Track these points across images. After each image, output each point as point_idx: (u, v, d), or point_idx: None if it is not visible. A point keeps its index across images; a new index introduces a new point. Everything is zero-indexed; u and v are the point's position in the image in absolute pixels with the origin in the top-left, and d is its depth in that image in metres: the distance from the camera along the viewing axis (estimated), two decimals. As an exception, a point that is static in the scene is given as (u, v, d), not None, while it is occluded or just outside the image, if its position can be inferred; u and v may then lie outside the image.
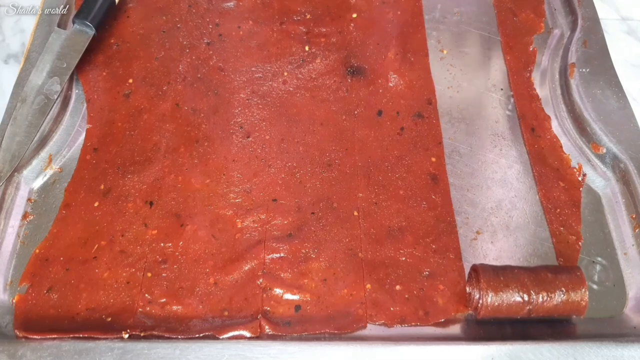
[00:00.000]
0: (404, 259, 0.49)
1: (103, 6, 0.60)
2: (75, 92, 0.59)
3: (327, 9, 0.65)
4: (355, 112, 0.58)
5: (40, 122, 0.53)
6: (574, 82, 0.59)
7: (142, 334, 0.44)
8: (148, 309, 0.46)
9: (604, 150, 0.55)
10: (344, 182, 0.53)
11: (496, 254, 0.50)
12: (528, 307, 0.44)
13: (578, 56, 0.61)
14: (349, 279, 0.48)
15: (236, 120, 0.57)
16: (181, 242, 0.50)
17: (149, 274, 0.48)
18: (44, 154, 0.54)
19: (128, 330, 0.44)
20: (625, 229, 0.52)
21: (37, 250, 0.49)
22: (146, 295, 0.47)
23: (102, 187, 0.52)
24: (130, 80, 0.59)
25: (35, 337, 0.44)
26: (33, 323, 0.45)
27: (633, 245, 0.51)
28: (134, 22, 0.63)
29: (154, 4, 0.65)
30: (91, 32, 0.58)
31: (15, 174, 0.52)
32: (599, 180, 0.55)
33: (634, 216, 0.52)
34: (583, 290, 0.44)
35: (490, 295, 0.44)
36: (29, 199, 0.52)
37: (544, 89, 0.61)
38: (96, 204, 0.51)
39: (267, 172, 0.54)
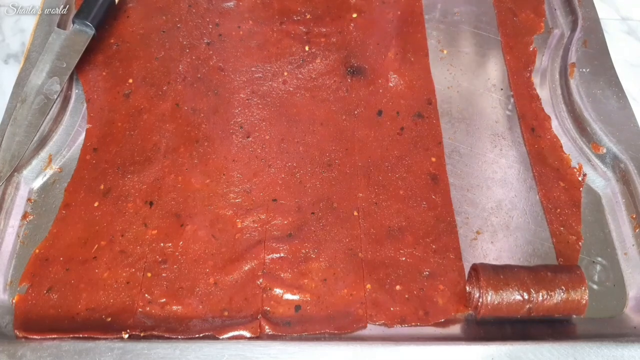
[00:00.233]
0: (404, 259, 0.49)
1: (103, 6, 0.60)
2: (75, 92, 0.59)
3: (327, 9, 0.65)
4: (355, 112, 0.58)
5: (40, 122, 0.53)
6: (574, 82, 0.59)
7: (142, 334, 0.44)
8: (148, 309, 0.46)
9: (604, 150, 0.55)
10: (344, 182, 0.53)
11: (496, 254, 0.50)
12: (528, 306, 0.44)
13: (578, 56, 0.61)
14: (349, 279, 0.48)
15: (236, 120, 0.57)
16: (181, 242, 0.49)
17: (149, 274, 0.48)
18: (43, 154, 0.54)
19: (128, 330, 0.44)
20: (625, 229, 0.52)
21: (37, 250, 0.49)
22: (146, 295, 0.47)
23: (102, 187, 0.52)
24: (130, 80, 0.59)
25: (35, 337, 0.44)
26: (33, 323, 0.45)
27: (633, 245, 0.51)
28: (134, 22, 0.63)
29: (154, 4, 0.65)
30: (91, 32, 0.58)
31: (15, 174, 0.52)
32: (599, 180, 0.55)
33: (634, 216, 0.52)
34: (583, 288, 0.44)
35: (490, 294, 0.44)
36: (28, 199, 0.52)
37: (544, 89, 0.61)
38: (96, 204, 0.51)
39: (267, 172, 0.54)
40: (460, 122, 0.58)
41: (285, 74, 0.60)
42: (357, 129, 0.57)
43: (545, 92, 0.61)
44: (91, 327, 0.45)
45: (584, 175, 0.55)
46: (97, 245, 0.49)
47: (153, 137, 0.55)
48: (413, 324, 0.46)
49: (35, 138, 0.52)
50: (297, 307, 0.47)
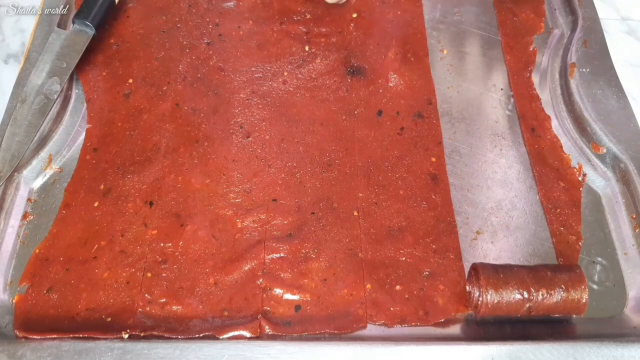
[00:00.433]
0: (404, 259, 0.49)
1: (103, 6, 0.60)
2: (75, 92, 0.59)
3: (327, 9, 0.65)
4: (355, 112, 0.58)
5: (40, 122, 0.53)
6: (574, 82, 0.59)
7: (142, 334, 0.44)
8: (148, 309, 0.46)
9: (604, 150, 0.55)
10: (344, 182, 0.53)
11: (496, 254, 0.50)
12: (528, 305, 0.44)
13: (578, 56, 0.61)
14: (349, 279, 0.48)
15: (236, 120, 0.57)
16: (181, 242, 0.49)
17: (149, 274, 0.48)
18: (44, 154, 0.54)
19: (128, 330, 0.44)
20: (625, 229, 0.52)
21: (37, 250, 0.49)
22: (146, 295, 0.47)
23: (102, 187, 0.52)
24: (130, 80, 0.59)
25: (35, 337, 0.44)
26: (33, 323, 0.45)
27: (633, 245, 0.51)
28: (134, 22, 0.63)
29: (154, 4, 0.65)
30: (91, 32, 0.58)
31: (15, 174, 0.52)
32: (599, 180, 0.55)
33: (634, 216, 0.52)
34: (583, 287, 0.44)
35: (490, 293, 0.44)
36: (29, 199, 0.52)
37: (544, 89, 0.61)
38: (96, 204, 0.51)
39: (267, 172, 0.54)
40: (460, 122, 0.58)
41: (285, 74, 0.60)
42: (357, 129, 0.57)
43: (545, 92, 0.61)
44: (91, 327, 0.45)
45: (584, 175, 0.55)
46: (97, 245, 0.49)
47: (153, 137, 0.55)
48: (413, 324, 0.46)
49: (35, 138, 0.52)
50: (297, 307, 0.47)
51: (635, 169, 0.53)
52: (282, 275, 0.48)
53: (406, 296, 0.47)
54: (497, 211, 0.53)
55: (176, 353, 0.43)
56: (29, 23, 0.68)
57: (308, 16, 0.64)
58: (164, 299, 0.47)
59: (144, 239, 0.50)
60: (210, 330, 0.45)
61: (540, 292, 0.44)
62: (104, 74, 0.59)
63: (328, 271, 0.49)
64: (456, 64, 0.63)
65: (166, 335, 0.45)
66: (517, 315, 0.45)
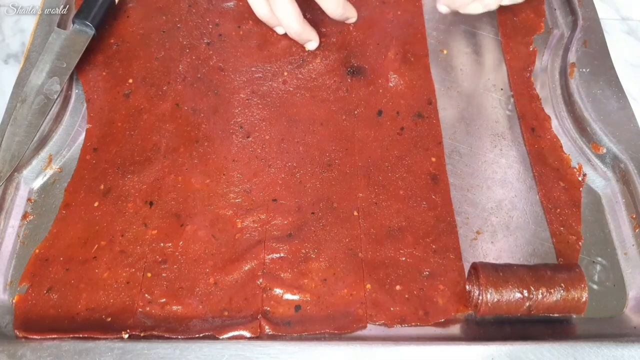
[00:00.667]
0: (404, 259, 0.49)
1: (103, 6, 0.60)
2: (75, 92, 0.59)
3: (327, 9, 0.65)
4: (355, 112, 0.58)
5: (40, 122, 0.53)
6: (574, 82, 0.59)
7: (142, 334, 0.44)
8: (148, 309, 0.46)
9: (604, 150, 0.55)
10: (344, 182, 0.53)
11: (496, 254, 0.51)
12: (528, 304, 0.44)
13: (578, 56, 0.61)
14: (349, 279, 0.48)
15: (236, 120, 0.57)
16: (181, 242, 0.50)
17: (149, 274, 0.48)
18: (44, 154, 0.54)
19: (128, 330, 0.44)
20: (625, 229, 0.52)
21: (37, 250, 0.49)
22: (146, 295, 0.47)
23: (102, 187, 0.52)
24: (130, 80, 0.59)
25: (35, 337, 0.44)
26: (33, 323, 0.45)
27: (633, 245, 0.51)
28: (134, 22, 0.63)
29: (154, 4, 0.65)
30: (91, 32, 0.58)
31: (15, 174, 0.52)
32: (599, 180, 0.55)
33: (634, 216, 0.52)
34: (582, 286, 0.44)
35: (490, 292, 0.44)
36: (29, 199, 0.52)
37: (544, 89, 0.61)
38: (96, 204, 0.51)
39: (267, 172, 0.54)
40: (460, 122, 0.58)
41: (285, 74, 0.60)
42: (357, 129, 0.57)
43: (545, 92, 0.61)
44: (91, 327, 0.45)
45: (584, 175, 0.55)
46: (97, 245, 0.49)
47: (153, 137, 0.55)
48: (413, 324, 0.46)
49: (35, 138, 0.52)
50: (297, 307, 0.47)
51: (635, 169, 0.53)
52: (282, 275, 0.48)
53: (406, 296, 0.47)
54: (497, 211, 0.53)
55: (176, 353, 0.43)
56: (29, 23, 0.68)
57: (308, 16, 0.64)
58: (164, 299, 0.47)
59: (144, 239, 0.50)
60: (210, 330, 0.45)
61: (540, 291, 0.44)
62: (104, 74, 0.59)
63: (328, 271, 0.49)
64: (456, 64, 0.63)
65: (166, 335, 0.45)
66: (517, 314, 0.45)
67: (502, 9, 0.67)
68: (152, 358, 0.42)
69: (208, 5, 0.65)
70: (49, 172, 0.53)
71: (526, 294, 0.44)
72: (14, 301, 0.46)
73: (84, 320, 0.45)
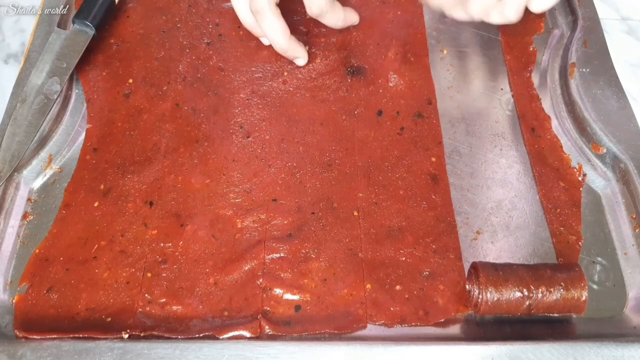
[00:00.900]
0: (404, 259, 0.49)
1: (103, 6, 0.60)
2: (75, 92, 0.59)
3: (327, 9, 0.65)
4: (355, 112, 0.58)
5: (40, 122, 0.53)
6: (574, 82, 0.59)
7: (142, 334, 0.44)
8: (148, 309, 0.46)
9: (604, 150, 0.55)
10: (344, 182, 0.53)
11: (496, 254, 0.51)
12: (528, 302, 0.44)
13: (578, 56, 0.61)
14: (349, 279, 0.48)
15: (236, 120, 0.57)
16: (181, 242, 0.50)
17: (149, 274, 0.48)
18: (43, 154, 0.54)
19: (128, 330, 0.44)
20: (625, 229, 0.52)
21: (37, 250, 0.49)
22: (146, 295, 0.47)
23: (102, 187, 0.52)
24: (130, 80, 0.59)
25: (35, 337, 0.44)
26: (33, 323, 0.45)
27: (633, 245, 0.51)
28: (134, 22, 0.63)
29: (154, 4, 0.65)
30: (91, 32, 0.58)
31: (15, 174, 0.52)
32: (599, 180, 0.55)
33: (634, 216, 0.52)
34: (582, 285, 0.44)
35: (490, 290, 0.44)
36: (28, 199, 0.52)
37: (544, 89, 0.61)
38: (96, 204, 0.51)
39: (267, 172, 0.54)
40: (460, 122, 0.58)
41: (285, 74, 0.60)
42: (357, 129, 0.57)
43: (545, 92, 0.61)
44: (91, 327, 0.45)
45: (584, 175, 0.55)
46: (97, 245, 0.49)
47: (153, 137, 0.55)
48: (413, 324, 0.46)
49: (35, 138, 0.52)
50: (297, 307, 0.47)
51: (635, 169, 0.53)
52: (282, 275, 0.48)
53: (406, 296, 0.47)
54: (497, 211, 0.53)
55: (176, 353, 0.43)
56: (29, 23, 0.68)
57: (308, 16, 0.64)
58: (164, 299, 0.47)
59: (144, 239, 0.50)
60: (210, 330, 0.45)
61: (540, 290, 0.44)
62: (104, 74, 0.59)
63: (328, 271, 0.49)
64: (456, 64, 0.63)
65: (166, 335, 0.45)
66: (517, 313, 0.45)
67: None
68: (152, 358, 0.42)
69: (208, 5, 0.65)
70: (49, 172, 0.53)
71: (526, 293, 0.44)
72: (14, 301, 0.46)
73: (84, 320, 0.45)
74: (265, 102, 0.58)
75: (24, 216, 0.51)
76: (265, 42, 0.62)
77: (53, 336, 0.44)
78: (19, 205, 0.51)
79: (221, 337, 0.45)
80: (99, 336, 0.44)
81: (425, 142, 0.56)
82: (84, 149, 0.55)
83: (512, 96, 0.60)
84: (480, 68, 0.63)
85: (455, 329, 0.47)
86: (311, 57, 0.61)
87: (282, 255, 0.49)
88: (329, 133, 0.56)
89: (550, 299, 0.44)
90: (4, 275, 0.48)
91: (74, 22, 0.59)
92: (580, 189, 0.54)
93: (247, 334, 0.45)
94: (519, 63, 0.63)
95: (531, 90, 0.61)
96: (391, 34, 0.64)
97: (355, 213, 0.52)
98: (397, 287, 0.48)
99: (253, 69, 0.61)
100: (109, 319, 0.45)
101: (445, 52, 0.64)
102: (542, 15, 0.67)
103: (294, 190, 0.53)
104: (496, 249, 0.51)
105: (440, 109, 0.59)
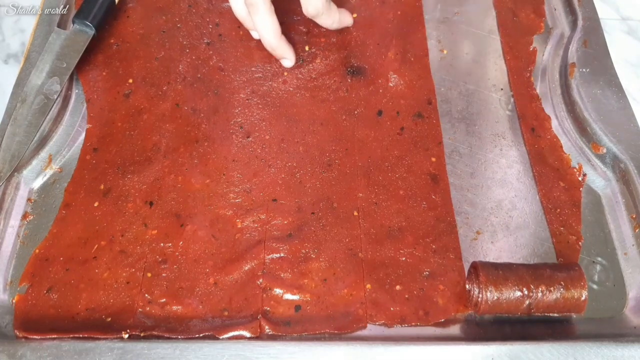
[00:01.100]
0: (404, 259, 0.49)
1: (103, 6, 0.60)
2: (75, 92, 0.59)
3: (327, 9, 0.65)
4: (355, 112, 0.58)
5: (40, 122, 0.53)
6: (574, 82, 0.59)
7: (142, 334, 0.44)
8: (148, 309, 0.46)
9: (604, 150, 0.55)
10: (344, 182, 0.53)
11: (496, 254, 0.51)
12: (528, 302, 0.44)
13: (578, 56, 0.61)
14: (349, 279, 0.48)
15: (236, 120, 0.57)
16: (181, 242, 0.50)
17: (149, 274, 0.48)
18: (43, 154, 0.54)
19: (128, 331, 0.44)
20: (625, 229, 0.52)
21: (37, 250, 0.49)
22: (146, 295, 0.47)
23: (102, 187, 0.52)
24: (130, 80, 0.59)
25: (35, 337, 0.44)
26: (33, 323, 0.45)
27: (633, 245, 0.51)
28: (134, 22, 0.63)
29: (154, 4, 0.65)
30: (91, 32, 0.58)
31: (15, 174, 0.52)
32: (599, 180, 0.55)
33: (634, 216, 0.52)
34: (582, 284, 0.44)
35: (490, 290, 0.44)
36: (28, 199, 0.52)
37: (544, 89, 0.61)
38: (96, 204, 0.51)
39: (267, 172, 0.54)
40: (460, 122, 0.58)
41: (285, 73, 0.60)
42: (357, 129, 0.57)
43: (545, 92, 0.61)
44: (91, 327, 0.45)
45: (584, 175, 0.55)
46: (97, 245, 0.49)
47: (153, 137, 0.55)
48: (413, 324, 0.46)
49: (35, 138, 0.53)
50: (297, 307, 0.47)
51: (635, 169, 0.53)
52: (282, 275, 0.48)
53: (406, 296, 0.47)
54: (497, 211, 0.53)
55: (176, 353, 0.43)
56: (29, 23, 0.68)
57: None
58: (164, 299, 0.47)
59: (144, 239, 0.50)
60: (210, 330, 0.45)
61: (540, 289, 0.44)
62: (104, 74, 0.59)
63: (328, 271, 0.49)
64: (456, 64, 0.63)
65: (166, 335, 0.45)
66: (517, 313, 0.45)
67: (502, 8, 0.67)
68: (152, 358, 0.42)
69: (208, 5, 0.65)
70: (49, 172, 0.53)
71: (526, 292, 0.44)
72: (14, 301, 0.46)
73: (84, 320, 0.45)
74: (265, 102, 0.58)
75: (24, 216, 0.51)
76: (255, 35, 0.62)
77: (53, 336, 0.44)
78: (19, 205, 0.51)
79: (221, 337, 0.45)
80: (99, 336, 0.44)
81: (425, 142, 0.56)
82: (84, 149, 0.55)
83: (512, 96, 0.60)
84: (480, 68, 0.63)
85: (455, 329, 0.47)
86: (311, 57, 0.61)
87: (282, 255, 0.49)
88: (329, 133, 0.56)
89: (550, 298, 0.44)
90: (4, 275, 0.48)
91: (74, 22, 0.59)
92: (580, 189, 0.54)
93: (247, 334, 0.45)
94: (519, 63, 0.63)
95: (531, 90, 0.61)
96: (391, 34, 0.64)
97: (355, 213, 0.52)
98: (397, 287, 0.48)
99: (253, 69, 0.61)
100: (109, 319, 0.45)
101: (445, 52, 0.64)
102: (542, 15, 0.67)
103: (294, 190, 0.53)
104: (496, 249, 0.51)
105: (440, 109, 0.59)
